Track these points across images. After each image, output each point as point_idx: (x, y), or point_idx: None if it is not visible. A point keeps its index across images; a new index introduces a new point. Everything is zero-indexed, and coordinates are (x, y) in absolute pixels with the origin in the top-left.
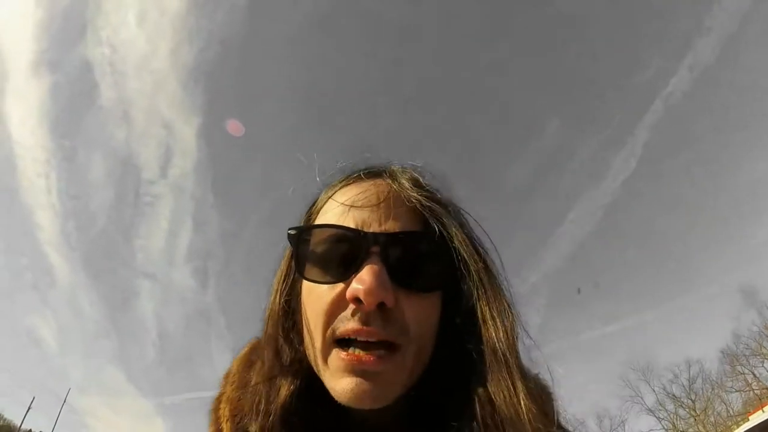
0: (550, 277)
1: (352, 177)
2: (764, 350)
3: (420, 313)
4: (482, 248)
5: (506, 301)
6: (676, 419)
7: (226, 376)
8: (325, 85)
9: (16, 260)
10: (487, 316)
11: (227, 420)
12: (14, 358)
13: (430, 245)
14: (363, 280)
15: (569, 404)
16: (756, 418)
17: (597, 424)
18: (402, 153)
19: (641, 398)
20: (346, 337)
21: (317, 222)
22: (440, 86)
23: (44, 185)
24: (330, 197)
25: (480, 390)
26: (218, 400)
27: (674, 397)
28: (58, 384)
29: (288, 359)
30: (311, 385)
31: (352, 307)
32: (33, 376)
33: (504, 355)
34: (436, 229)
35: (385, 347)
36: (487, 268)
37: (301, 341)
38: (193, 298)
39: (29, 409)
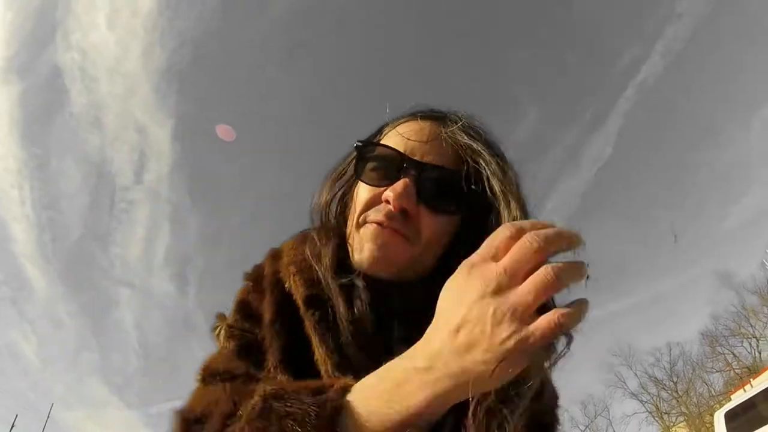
0: None
1: (416, 116)
2: (743, 330)
3: (433, 227)
4: (517, 183)
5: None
6: (659, 401)
7: (274, 251)
8: (302, 82)
9: None
10: (477, 213)
11: (293, 275)
12: None
13: (456, 181)
14: (395, 189)
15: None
16: (738, 397)
17: (581, 410)
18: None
19: (624, 383)
20: (373, 223)
21: (377, 136)
22: (416, 78)
23: (17, 196)
24: (394, 127)
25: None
26: (273, 262)
27: (656, 380)
28: (41, 399)
29: (333, 233)
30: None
31: (383, 205)
32: (15, 392)
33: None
34: (468, 168)
35: (399, 235)
36: (519, 198)
37: (341, 221)
38: (174, 304)
39: (13, 426)
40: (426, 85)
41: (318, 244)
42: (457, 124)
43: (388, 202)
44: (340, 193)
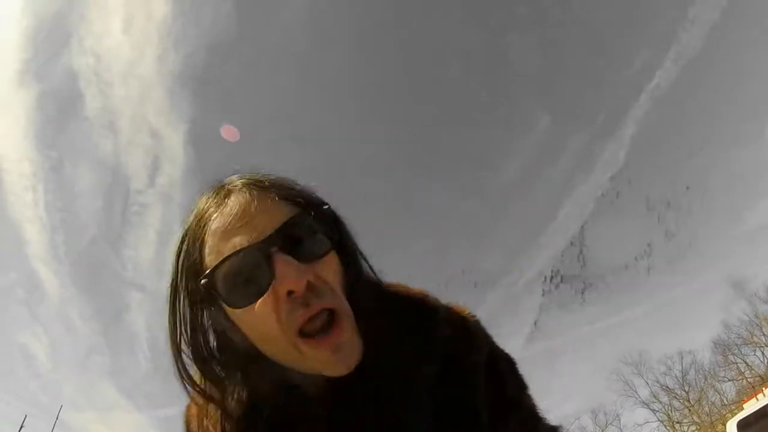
0: (544, 274)
1: (211, 201)
2: (755, 339)
3: (331, 273)
4: (317, 204)
5: (339, 231)
6: (671, 410)
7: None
8: (313, 89)
9: (5, 276)
10: (358, 257)
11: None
12: (6, 376)
13: (307, 220)
14: (284, 275)
15: (566, 401)
16: (750, 406)
17: (592, 419)
18: (395, 156)
19: (635, 391)
20: (307, 330)
21: (208, 258)
22: (432, 84)
23: (31, 198)
24: (205, 231)
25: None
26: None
27: (668, 389)
28: (50, 400)
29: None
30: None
31: (288, 303)
32: (25, 393)
33: (372, 281)
34: (299, 212)
35: (335, 317)
36: (322, 212)
37: (229, 351)
38: None
39: (22, 427)
40: (440, 94)
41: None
42: (244, 184)
43: (290, 292)
44: (202, 342)
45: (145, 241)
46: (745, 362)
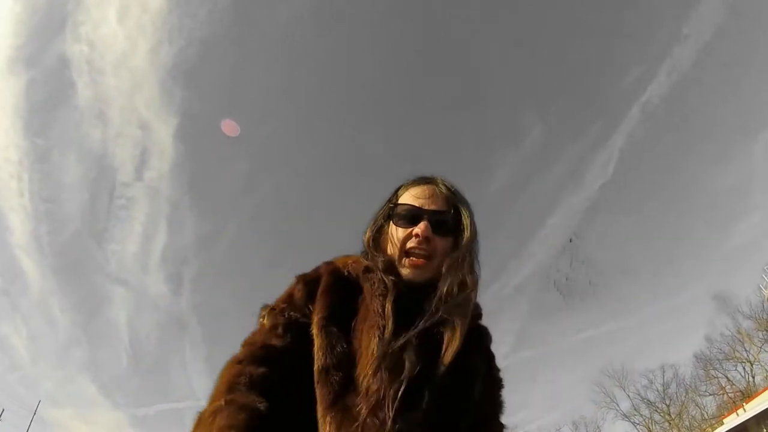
0: (531, 283)
1: (419, 181)
2: (737, 354)
3: (441, 246)
4: (475, 230)
5: (470, 237)
6: (652, 424)
7: (328, 261)
8: (309, 86)
9: None
10: (461, 239)
11: (353, 263)
12: None
13: (448, 217)
14: (420, 227)
15: (547, 412)
16: (730, 421)
17: (573, 431)
18: (389, 157)
19: (616, 404)
20: (410, 251)
21: (399, 201)
22: (425, 89)
23: (16, 187)
24: (406, 190)
25: (449, 279)
26: (328, 266)
27: (649, 402)
28: (28, 394)
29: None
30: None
31: (414, 238)
32: (3, 385)
33: (463, 266)
34: (452, 211)
35: (425, 257)
36: (465, 221)
37: (381, 250)
38: (167, 305)
39: None
40: (434, 97)
41: (376, 258)
42: (440, 184)
43: (417, 235)
44: (376, 233)
45: (130, 236)
46: (727, 377)
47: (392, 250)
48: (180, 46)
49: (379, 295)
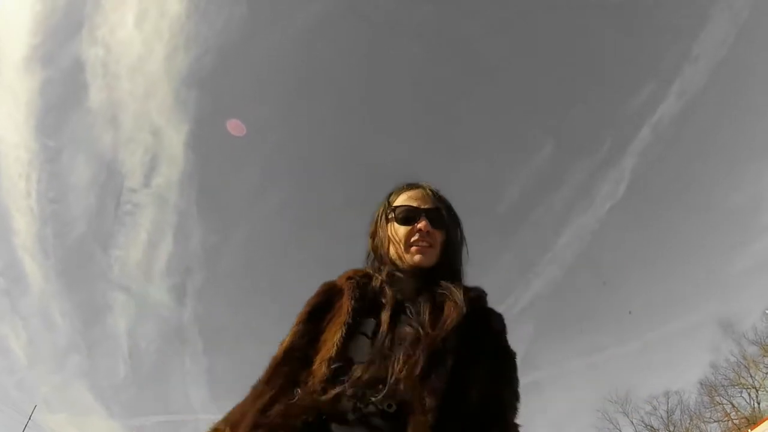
0: (537, 305)
1: (407, 186)
2: (743, 380)
3: (439, 238)
4: (459, 223)
5: (457, 230)
6: None
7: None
8: (324, 100)
9: None
10: (451, 231)
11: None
12: None
13: (441, 214)
14: (422, 223)
15: None
16: None
17: None
18: (400, 170)
19: (619, 431)
20: (414, 243)
21: (395, 204)
22: (437, 104)
23: (24, 187)
24: (399, 194)
25: (454, 264)
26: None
27: (653, 429)
28: (24, 398)
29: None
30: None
31: (417, 233)
32: None
33: (457, 252)
34: (443, 209)
35: (429, 245)
36: (453, 217)
37: (382, 255)
38: (169, 315)
39: None
40: (445, 112)
41: (373, 268)
42: (426, 188)
43: (420, 230)
44: (376, 239)
45: (135, 242)
46: (732, 403)
47: (395, 246)
48: (196, 54)
49: (351, 298)
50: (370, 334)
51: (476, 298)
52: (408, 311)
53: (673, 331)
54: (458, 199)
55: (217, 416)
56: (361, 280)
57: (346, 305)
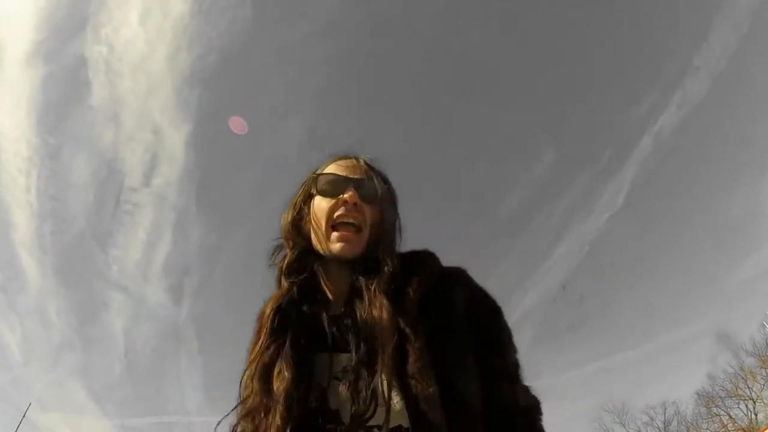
0: (535, 313)
1: (338, 157)
2: (740, 391)
3: (369, 213)
4: (395, 196)
5: (394, 208)
6: None
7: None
8: (326, 103)
9: None
10: (386, 209)
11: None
12: None
13: (373, 185)
14: (348, 193)
15: None
16: None
17: None
18: (398, 178)
19: None
20: (339, 221)
21: (324, 171)
22: (437, 109)
23: (24, 183)
24: (329, 165)
25: (384, 248)
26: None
27: None
28: (18, 395)
29: (299, 244)
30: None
31: (342, 206)
32: None
33: (392, 229)
34: (374, 179)
35: (355, 228)
36: (390, 192)
37: (305, 236)
38: (166, 316)
39: None
40: (446, 119)
41: (287, 251)
42: (360, 158)
43: (346, 202)
44: (297, 212)
45: (133, 242)
46: (729, 415)
47: (317, 224)
48: (199, 54)
49: (282, 340)
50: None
51: (430, 269)
52: (343, 327)
53: (670, 341)
54: (459, 206)
55: (211, 419)
56: (285, 306)
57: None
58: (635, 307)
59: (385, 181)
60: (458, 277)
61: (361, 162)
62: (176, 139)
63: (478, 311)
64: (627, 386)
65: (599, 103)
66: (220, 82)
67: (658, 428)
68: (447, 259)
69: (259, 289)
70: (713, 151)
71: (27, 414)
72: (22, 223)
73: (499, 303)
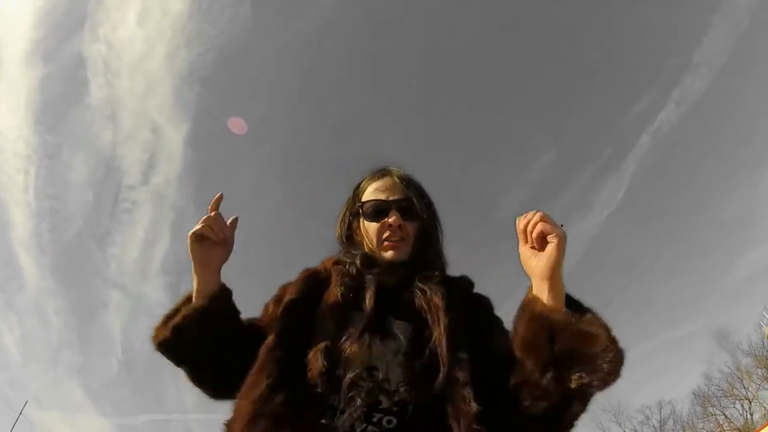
0: None
1: (376, 175)
2: (736, 391)
3: (411, 230)
4: (432, 206)
5: (433, 216)
6: None
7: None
8: (324, 100)
9: None
10: (428, 219)
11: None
12: None
13: (412, 203)
14: (392, 218)
15: None
16: None
17: None
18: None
19: None
20: (386, 239)
21: (363, 198)
22: (436, 109)
23: (22, 181)
24: (368, 184)
25: (429, 253)
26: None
27: None
28: (16, 393)
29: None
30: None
31: (388, 229)
32: None
33: (433, 240)
34: (413, 197)
35: (402, 240)
36: (428, 204)
37: (356, 244)
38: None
39: None
40: (445, 119)
41: (352, 254)
42: (395, 175)
43: (391, 225)
44: (347, 230)
45: (132, 240)
46: (725, 414)
47: (369, 244)
48: (197, 52)
49: (339, 285)
50: (362, 326)
51: (464, 287)
52: (393, 308)
53: (667, 340)
54: (458, 206)
55: (208, 417)
56: (347, 269)
57: (334, 294)
58: (633, 305)
59: (422, 194)
60: (488, 299)
61: (396, 179)
62: (175, 138)
63: (498, 326)
64: (623, 385)
65: (598, 101)
66: (218, 81)
67: (654, 427)
68: (447, 260)
69: (257, 287)
70: (712, 149)
71: (24, 412)
72: (21, 222)
73: (500, 301)
